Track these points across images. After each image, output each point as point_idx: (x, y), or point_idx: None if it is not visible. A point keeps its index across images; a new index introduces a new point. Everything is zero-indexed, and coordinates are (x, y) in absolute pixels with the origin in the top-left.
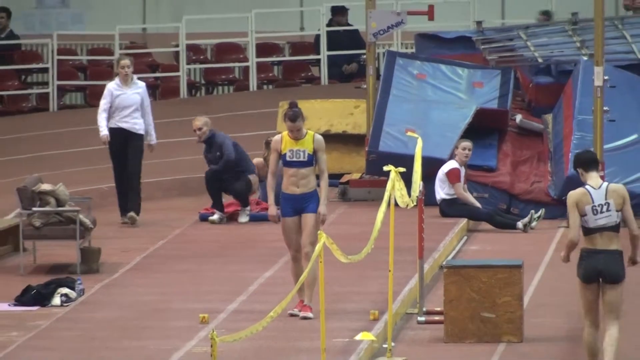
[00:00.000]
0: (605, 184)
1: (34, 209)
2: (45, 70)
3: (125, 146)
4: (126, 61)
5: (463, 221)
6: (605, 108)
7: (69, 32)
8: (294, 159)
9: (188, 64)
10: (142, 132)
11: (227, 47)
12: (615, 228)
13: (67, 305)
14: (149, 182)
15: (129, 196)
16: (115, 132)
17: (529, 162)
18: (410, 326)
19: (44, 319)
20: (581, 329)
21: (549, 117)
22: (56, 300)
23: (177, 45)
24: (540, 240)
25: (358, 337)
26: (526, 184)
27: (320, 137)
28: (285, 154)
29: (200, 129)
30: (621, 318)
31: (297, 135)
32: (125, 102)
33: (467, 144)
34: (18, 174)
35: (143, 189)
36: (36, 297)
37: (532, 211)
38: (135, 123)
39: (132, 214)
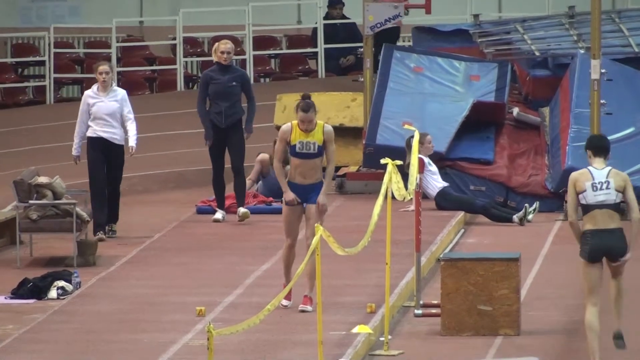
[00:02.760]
0: (609, 167)
1: (31, 201)
2: (42, 63)
3: (105, 157)
4: (105, 67)
5: (460, 214)
6: (602, 101)
7: (65, 25)
8: (304, 151)
9: (185, 56)
10: (121, 142)
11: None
12: (614, 207)
13: (63, 298)
14: (145, 175)
15: (109, 205)
16: (94, 141)
17: (526, 155)
18: (407, 319)
19: (41, 312)
20: (578, 321)
21: (546, 110)
22: (53, 293)
23: (174, 38)
24: (537, 233)
25: (355, 330)
26: (523, 177)
27: (330, 127)
28: (294, 145)
29: (229, 52)
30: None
31: (308, 126)
32: (103, 110)
33: (429, 137)
34: (14, 166)
35: (140, 181)
36: (33, 290)
37: (526, 205)
38: (115, 133)
39: (111, 227)
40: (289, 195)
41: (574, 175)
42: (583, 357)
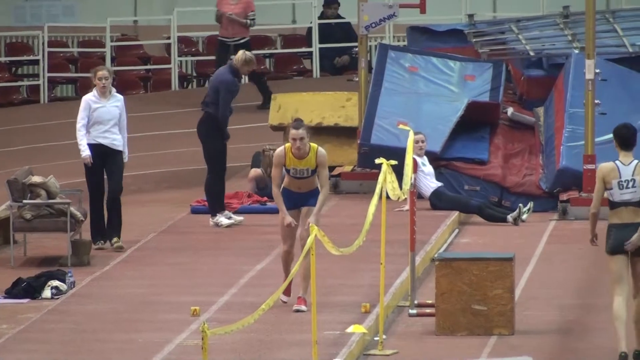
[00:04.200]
0: (636, 161)
1: (25, 201)
2: (36, 62)
3: (103, 164)
4: (104, 72)
5: (454, 214)
6: (596, 101)
7: (60, 24)
8: (298, 175)
9: (179, 56)
10: (121, 148)
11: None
12: (639, 204)
13: (57, 298)
14: (139, 175)
15: (110, 219)
16: (93, 148)
17: (521, 155)
18: (402, 319)
19: (35, 312)
20: (573, 321)
21: (540, 110)
22: (47, 292)
23: (168, 38)
24: (531, 233)
25: (349, 329)
26: (518, 177)
27: (323, 151)
28: (289, 170)
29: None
30: None
31: (300, 145)
32: (105, 115)
33: (419, 136)
34: (8, 166)
35: (134, 181)
36: (27, 289)
37: (521, 205)
38: (115, 139)
39: (117, 241)
40: (287, 219)
41: (603, 169)
42: (577, 356)
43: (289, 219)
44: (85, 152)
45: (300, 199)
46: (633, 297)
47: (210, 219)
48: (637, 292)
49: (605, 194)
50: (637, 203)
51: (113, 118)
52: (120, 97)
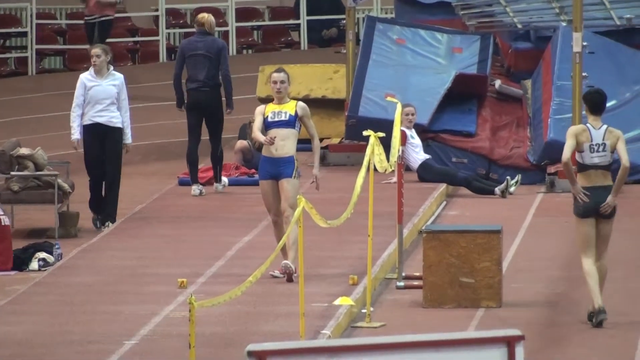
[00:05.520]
0: (605, 126)
1: (12, 173)
2: (24, 35)
3: (102, 145)
4: (96, 50)
5: (442, 186)
6: (584, 74)
7: None
8: (276, 119)
9: (167, 28)
10: (120, 125)
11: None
12: (608, 167)
13: (45, 270)
14: None
15: (105, 203)
16: (90, 129)
17: (508, 127)
18: (389, 291)
19: (22, 284)
20: (561, 294)
21: (528, 83)
22: (34, 264)
23: (156, 10)
24: (519, 206)
25: (337, 302)
26: (505, 150)
27: (303, 104)
28: (267, 117)
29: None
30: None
31: (280, 88)
32: (100, 94)
33: (409, 109)
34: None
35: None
36: (14, 261)
37: (508, 177)
38: (112, 117)
39: (109, 224)
40: (267, 139)
41: (575, 129)
42: (565, 329)
43: (267, 137)
44: (74, 136)
45: (275, 167)
46: (595, 261)
47: (217, 185)
48: (600, 255)
49: (576, 156)
50: (606, 166)
51: (109, 97)
52: (119, 76)
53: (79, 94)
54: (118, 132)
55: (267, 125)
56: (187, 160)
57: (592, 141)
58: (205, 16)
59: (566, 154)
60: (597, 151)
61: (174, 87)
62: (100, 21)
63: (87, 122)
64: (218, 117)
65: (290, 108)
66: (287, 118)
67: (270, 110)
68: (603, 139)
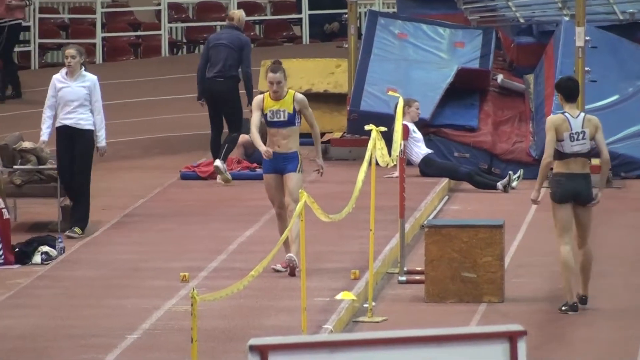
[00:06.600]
0: (583, 114)
1: (15, 167)
2: (27, 29)
3: (72, 147)
4: (71, 51)
5: (444, 181)
6: (586, 69)
7: None
8: (275, 119)
9: (170, 22)
10: (89, 127)
11: (208, 6)
12: (587, 155)
13: (47, 264)
14: (129, 141)
15: (74, 209)
16: (60, 131)
17: (511, 122)
18: (391, 286)
19: (25, 277)
20: (562, 289)
21: (530, 78)
22: (37, 258)
23: (158, 4)
24: (521, 201)
25: (339, 296)
26: (507, 144)
27: (301, 95)
28: (266, 114)
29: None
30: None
31: (277, 89)
32: (69, 96)
33: (417, 103)
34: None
35: (124, 147)
36: (17, 255)
37: (511, 172)
38: (81, 118)
39: (76, 229)
40: (266, 150)
41: (554, 120)
42: (567, 324)
43: (267, 148)
44: (42, 138)
45: (279, 163)
46: (579, 247)
47: (218, 162)
48: (583, 242)
49: (556, 145)
50: (586, 154)
51: (78, 99)
52: (91, 77)
53: (49, 95)
54: (87, 134)
55: (266, 123)
56: (211, 148)
57: (571, 130)
58: (236, 11)
59: (549, 151)
60: (577, 139)
61: (197, 80)
62: (10, 25)
63: (57, 124)
64: (230, 106)
65: (288, 105)
66: (286, 118)
67: (268, 107)
68: (582, 127)
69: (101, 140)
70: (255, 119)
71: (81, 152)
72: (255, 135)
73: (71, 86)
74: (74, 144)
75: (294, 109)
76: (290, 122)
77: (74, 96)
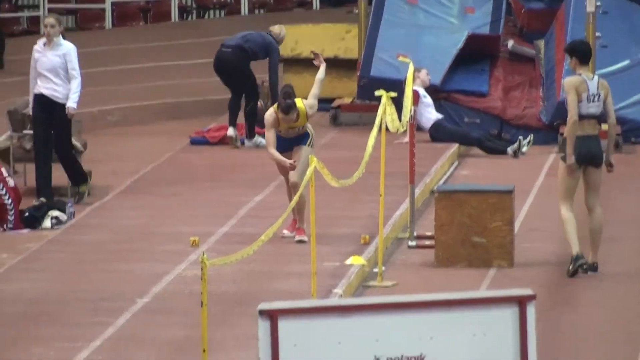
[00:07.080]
0: (597, 77)
1: (25, 131)
2: None
3: (49, 114)
4: (50, 19)
5: (454, 146)
6: (597, 34)
7: None
8: (290, 135)
9: None
10: (64, 101)
11: None
12: (599, 117)
13: (57, 228)
14: (139, 106)
15: (66, 171)
16: (37, 98)
17: (521, 87)
18: (401, 250)
19: (35, 242)
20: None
21: (541, 43)
22: (47, 222)
23: None
24: (531, 166)
25: (348, 261)
26: (518, 110)
27: (311, 110)
28: (280, 131)
29: None
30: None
31: (292, 125)
32: (44, 65)
33: (426, 70)
34: (8, 96)
35: (133, 113)
36: (27, 219)
37: (521, 137)
38: (56, 90)
39: (80, 188)
40: (286, 162)
41: (573, 81)
42: (576, 288)
43: (289, 161)
44: (30, 106)
45: (292, 142)
46: (589, 212)
47: (247, 141)
48: (594, 205)
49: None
50: (598, 116)
51: (52, 69)
52: (66, 45)
53: (31, 65)
54: (62, 108)
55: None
56: (228, 108)
57: (589, 91)
58: (277, 26)
59: (575, 110)
60: (593, 101)
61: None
62: None
63: (35, 91)
64: (238, 76)
65: (301, 122)
66: (301, 132)
67: (283, 127)
68: (597, 89)
69: (71, 101)
70: (271, 137)
71: (58, 124)
72: (274, 154)
73: (47, 55)
74: (51, 114)
75: (307, 117)
76: (304, 128)
77: (49, 65)
